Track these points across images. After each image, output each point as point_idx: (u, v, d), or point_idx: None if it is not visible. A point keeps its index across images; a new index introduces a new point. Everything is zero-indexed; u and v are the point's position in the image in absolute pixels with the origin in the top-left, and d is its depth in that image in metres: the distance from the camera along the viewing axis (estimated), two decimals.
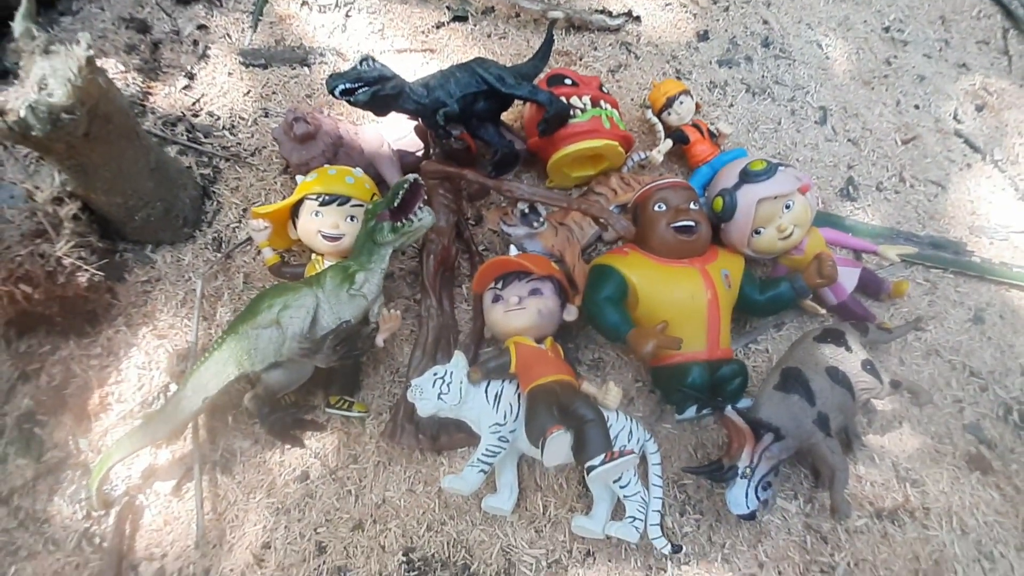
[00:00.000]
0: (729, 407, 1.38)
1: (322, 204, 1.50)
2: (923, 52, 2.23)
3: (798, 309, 1.74)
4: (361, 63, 1.47)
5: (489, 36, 2.07)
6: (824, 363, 1.48)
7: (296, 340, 1.30)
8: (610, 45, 2.09)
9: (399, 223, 1.39)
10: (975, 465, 1.60)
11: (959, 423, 1.66)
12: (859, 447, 1.58)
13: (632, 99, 2.00)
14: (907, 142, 2.05)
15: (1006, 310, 1.82)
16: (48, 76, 1.14)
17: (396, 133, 1.74)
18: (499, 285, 1.52)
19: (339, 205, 1.50)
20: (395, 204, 1.41)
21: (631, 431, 1.47)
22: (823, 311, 1.72)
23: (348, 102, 1.46)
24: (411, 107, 1.55)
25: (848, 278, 1.70)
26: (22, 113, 1.14)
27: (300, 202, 1.52)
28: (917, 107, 2.13)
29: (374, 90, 1.45)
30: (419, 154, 1.75)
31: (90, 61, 1.15)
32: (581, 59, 2.06)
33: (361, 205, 1.52)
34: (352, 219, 1.52)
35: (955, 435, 1.64)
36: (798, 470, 1.55)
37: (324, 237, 1.50)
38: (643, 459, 1.50)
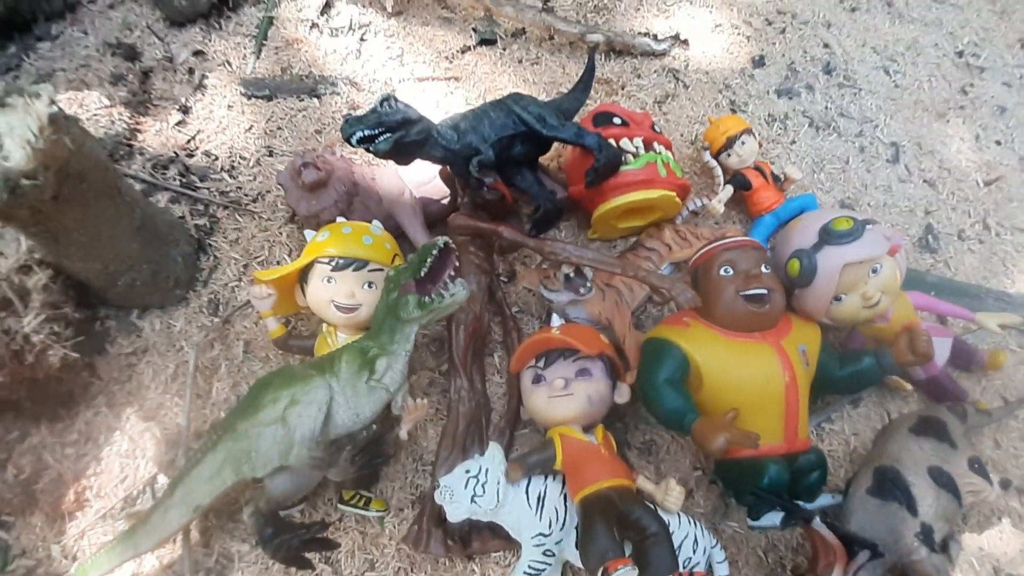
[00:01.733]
0: (817, 519, 1.16)
1: (335, 269, 1.28)
2: (1002, 80, 2.00)
3: (879, 383, 1.52)
4: (381, 104, 1.25)
5: (520, 61, 1.84)
6: (926, 462, 1.26)
7: (306, 446, 1.08)
8: (655, 72, 1.87)
9: (427, 298, 1.17)
10: None
11: None
12: (956, 551, 1.36)
13: (681, 134, 1.78)
14: (990, 183, 1.83)
15: None
16: (3, 135, 0.92)
17: (418, 177, 1.53)
18: (541, 363, 1.30)
19: (355, 270, 1.29)
20: (422, 273, 1.19)
21: (696, 539, 1.25)
22: (909, 387, 1.49)
23: (367, 151, 1.24)
24: (439, 154, 1.33)
25: (939, 349, 1.47)
26: None
27: (310, 264, 1.30)
28: (999, 143, 1.90)
29: (397, 136, 1.23)
30: (445, 202, 1.53)
31: (54, 119, 0.94)
32: (623, 88, 1.84)
33: (381, 269, 1.30)
34: (371, 286, 1.30)
35: None
36: None
37: (338, 308, 1.28)
38: (708, 569, 1.29)
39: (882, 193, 1.78)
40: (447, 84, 1.77)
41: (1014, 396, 1.54)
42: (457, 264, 1.24)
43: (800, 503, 1.36)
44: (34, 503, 1.27)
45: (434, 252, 1.20)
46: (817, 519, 1.16)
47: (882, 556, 1.16)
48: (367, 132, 1.22)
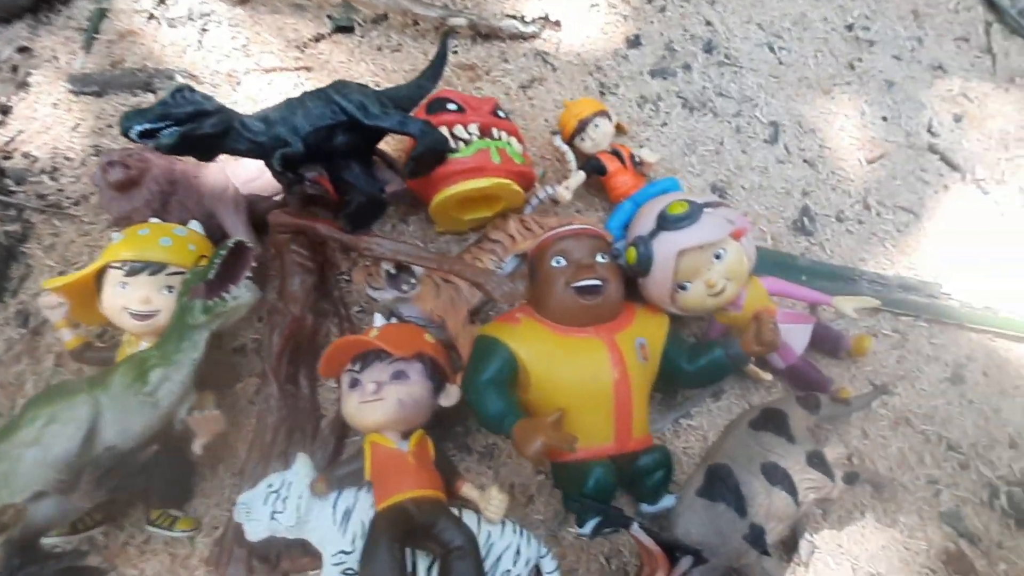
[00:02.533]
0: (635, 524, 1.08)
1: (129, 274, 1.20)
2: (892, 53, 1.92)
3: (740, 374, 1.44)
4: (172, 96, 1.16)
5: (380, 49, 1.76)
6: (760, 458, 1.18)
7: (55, 467, 1.00)
8: (523, 56, 1.79)
9: (211, 301, 1.09)
10: (955, 566, 1.31)
11: (934, 511, 1.36)
12: (809, 551, 1.29)
13: (546, 119, 1.70)
14: (873, 161, 1.75)
15: (991, 366, 1.52)
16: None
17: (246, 174, 1.44)
18: (357, 367, 1.21)
19: (151, 274, 1.20)
20: (210, 275, 1.11)
21: (519, 549, 1.17)
22: (768, 377, 1.42)
23: (152, 146, 1.16)
24: (243, 147, 1.24)
25: (798, 336, 1.40)
26: None
27: (104, 271, 1.22)
28: (885, 119, 1.82)
29: (185, 130, 1.14)
30: (277, 199, 1.45)
31: None
32: (488, 73, 1.75)
33: (182, 272, 1.22)
34: (170, 290, 1.21)
35: (929, 527, 1.35)
36: None
37: (132, 315, 1.20)
38: None
39: (758, 175, 1.70)
40: (297, 75, 1.68)
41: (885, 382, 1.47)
42: (253, 264, 1.16)
43: (643, 505, 1.29)
44: None
45: (222, 253, 1.13)
46: (635, 525, 1.08)
47: (706, 561, 1.09)
48: (148, 126, 1.13)
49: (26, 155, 1.49)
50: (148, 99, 1.59)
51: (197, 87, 1.57)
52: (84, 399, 1.05)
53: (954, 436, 1.43)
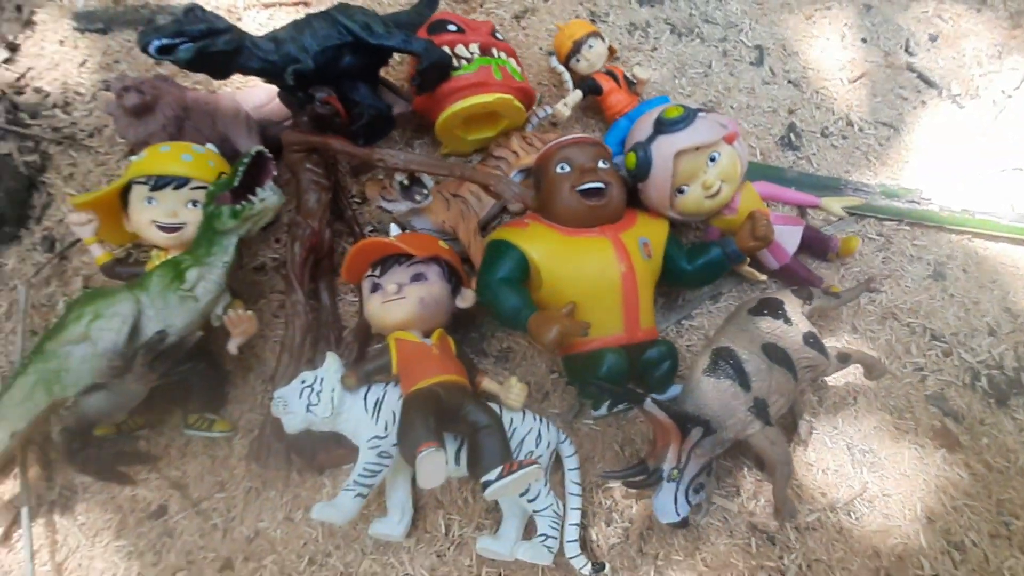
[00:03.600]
0: (648, 399, 1.16)
1: (154, 188, 1.25)
2: None
3: (736, 277, 1.53)
4: (185, 14, 1.21)
5: None
6: (760, 340, 1.27)
7: (106, 357, 1.06)
8: None
9: (239, 205, 1.15)
10: (940, 441, 1.41)
11: (921, 394, 1.46)
12: (807, 430, 1.38)
13: (540, 48, 1.75)
14: (854, 80, 1.83)
15: (969, 263, 1.61)
16: None
17: (256, 100, 1.48)
18: (377, 272, 1.28)
19: (175, 188, 1.25)
20: (236, 183, 1.16)
21: (540, 433, 1.25)
22: (763, 277, 1.50)
23: (170, 62, 1.20)
24: (255, 65, 1.29)
25: (789, 238, 1.48)
26: None
27: (130, 188, 1.27)
28: (864, 40, 1.90)
29: (200, 46, 1.19)
30: (287, 124, 1.49)
31: None
32: (482, 5, 1.80)
33: (205, 187, 1.27)
34: (194, 204, 1.27)
35: (917, 408, 1.44)
36: (740, 462, 1.35)
37: (160, 228, 1.25)
38: (560, 464, 1.30)
39: (745, 95, 1.77)
40: (296, 9, 1.72)
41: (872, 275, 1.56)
42: (275, 173, 1.22)
43: (652, 396, 1.37)
44: None
45: (246, 161, 1.18)
46: (649, 400, 1.16)
47: (715, 432, 1.18)
48: (166, 41, 1.18)
49: (38, 90, 1.52)
50: None
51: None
52: (126, 296, 1.11)
53: (937, 327, 1.53)
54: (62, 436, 1.09)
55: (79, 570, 1.23)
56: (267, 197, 1.16)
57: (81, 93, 1.54)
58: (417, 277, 1.26)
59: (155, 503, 1.28)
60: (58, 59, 1.56)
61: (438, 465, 1.03)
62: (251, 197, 1.15)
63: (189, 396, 1.28)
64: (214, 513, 1.28)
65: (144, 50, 1.17)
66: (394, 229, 1.34)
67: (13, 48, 1.54)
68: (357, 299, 1.45)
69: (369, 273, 1.29)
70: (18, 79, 1.52)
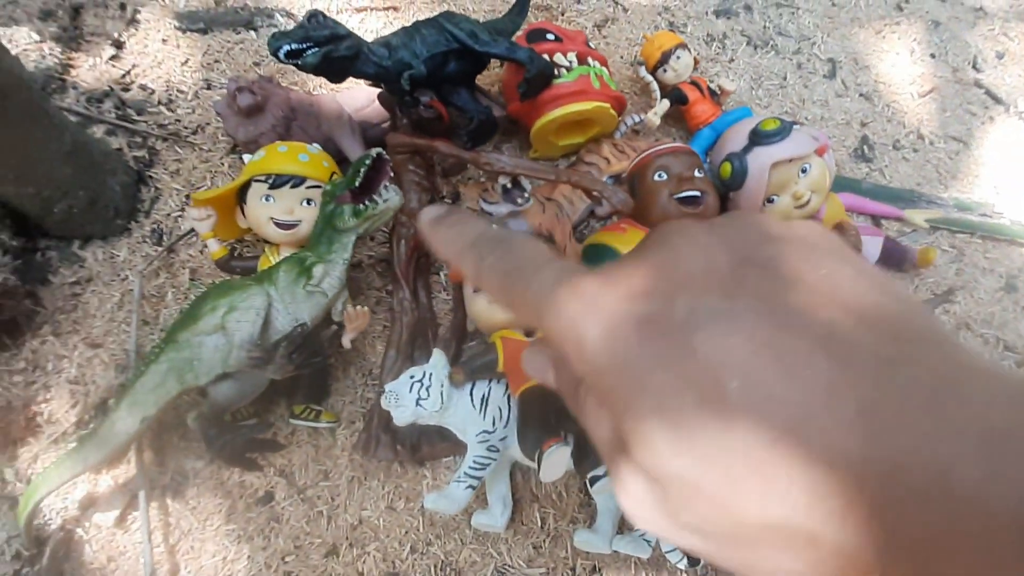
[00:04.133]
0: None
1: (272, 187, 1.29)
2: None
3: None
4: (308, 20, 1.25)
5: None
6: None
7: (244, 348, 1.11)
8: None
9: (361, 205, 1.19)
10: None
11: None
12: None
13: (621, 57, 1.80)
14: (924, 95, 1.87)
15: None
16: None
17: (356, 103, 1.53)
18: None
19: (292, 187, 1.30)
20: (356, 184, 1.21)
21: None
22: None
23: (296, 66, 1.25)
24: (371, 70, 1.33)
25: (870, 248, 1.52)
26: None
27: (248, 185, 1.31)
28: (933, 56, 1.94)
29: (325, 51, 1.24)
30: (384, 126, 1.54)
31: None
32: (563, 14, 1.85)
33: (319, 186, 1.31)
34: (309, 202, 1.31)
35: None
36: None
37: (277, 225, 1.30)
38: None
39: (819, 107, 1.81)
40: (386, 15, 1.76)
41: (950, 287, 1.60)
42: (392, 174, 1.26)
43: None
44: None
45: (367, 163, 1.22)
46: None
47: None
48: (295, 46, 1.23)
49: (143, 87, 1.57)
50: (250, 36, 1.67)
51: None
52: (258, 290, 1.15)
53: (1010, 339, 1.57)
54: (198, 423, 1.13)
55: (191, 552, 1.28)
56: (390, 198, 1.20)
57: (183, 91, 1.59)
58: None
59: (262, 489, 1.32)
60: (161, 57, 1.61)
61: (562, 459, 1.08)
62: (375, 197, 1.19)
63: (296, 388, 1.33)
64: (319, 500, 1.32)
65: (274, 54, 1.21)
66: None
67: (119, 46, 1.59)
68: (450, 298, 1.49)
69: None
70: (123, 76, 1.56)
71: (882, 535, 0.27)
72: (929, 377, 0.27)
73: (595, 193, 1.33)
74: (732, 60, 1.83)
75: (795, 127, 1.39)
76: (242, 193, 1.33)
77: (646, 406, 0.32)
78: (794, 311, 0.30)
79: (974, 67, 1.93)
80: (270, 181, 1.29)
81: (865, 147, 1.77)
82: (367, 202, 1.20)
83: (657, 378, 0.31)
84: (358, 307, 1.25)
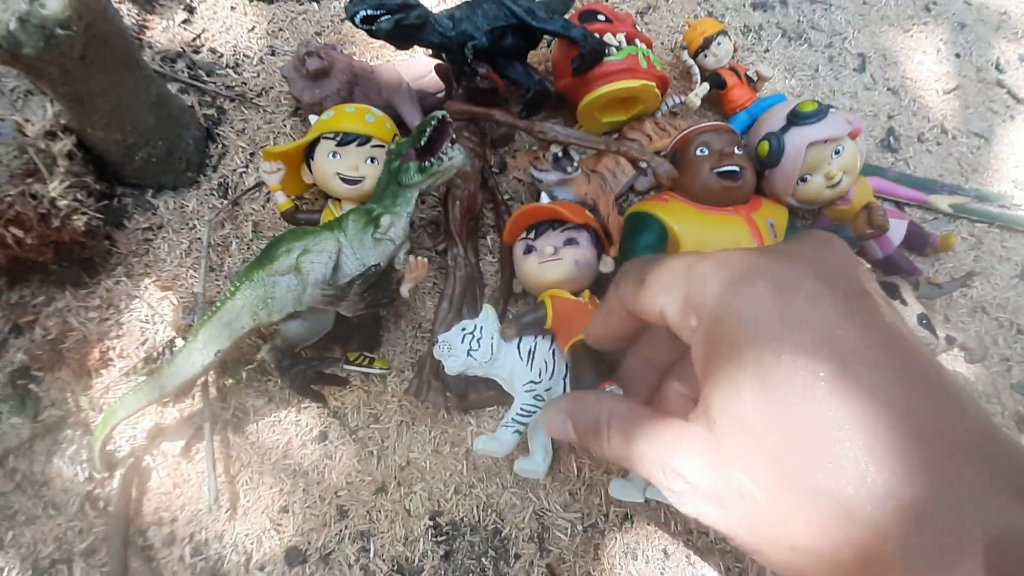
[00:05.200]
0: None
1: (340, 144, 1.38)
2: None
3: None
4: None
5: None
6: None
7: (319, 287, 1.19)
8: None
9: (427, 163, 1.28)
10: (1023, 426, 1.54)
11: (1007, 382, 1.58)
12: None
13: (663, 42, 1.88)
14: (948, 92, 1.95)
15: None
16: None
17: (413, 72, 1.62)
18: (531, 235, 1.41)
19: (359, 145, 1.38)
20: (422, 143, 1.29)
21: None
22: (868, 265, 1.62)
23: (368, 32, 1.34)
24: (436, 40, 1.42)
25: (896, 230, 1.60)
26: (12, 26, 1.01)
27: (315, 142, 1.40)
28: (958, 55, 2.02)
29: (398, 18, 1.33)
30: (440, 96, 1.63)
31: None
32: (608, 0, 1.93)
33: (382, 145, 1.40)
34: (373, 161, 1.40)
35: (1003, 394, 1.57)
36: None
37: (343, 180, 1.38)
38: None
39: (848, 99, 1.90)
40: None
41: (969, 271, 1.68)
42: (454, 136, 1.34)
43: None
44: (61, 361, 1.37)
45: (433, 123, 1.30)
46: None
47: None
48: (370, 12, 1.31)
49: (212, 51, 1.65)
50: (312, 8, 1.76)
51: None
52: (329, 235, 1.24)
53: (1022, 322, 1.65)
54: (272, 353, 1.22)
55: (250, 483, 1.36)
56: (454, 156, 1.29)
57: (249, 56, 1.67)
58: (570, 242, 1.39)
59: (316, 429, 1.41)
60: (229, 23, 1.70)
61: None
62: (440, 155, 1.28)
63: (351, 336, 1.41)
64: (369, 441, 1.41)
65: (351, 19, 1.30)
66: (545, 197, 1.47)
67: (190, 10, 1.67)
68: (496, 260, 1.57)
69: (523, 236, 1.42)
70: (194, 39, 1.65)
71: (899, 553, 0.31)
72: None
73: (642, 164, 1.41)
74: (767, 51, 1.91)
75: (831, 110, 1.47)
76: (310, 150, 1.42)
77: (751, 353, 0.36)
78: (893, 341, 0.36)
79: (997, 68, 2.02)
80: (338, 139, 1.38)
81: (891, 138, 1.85)
82: (433, 159, 1.28)
83: (772, 331, 0.36)
84: (418, 258, 1.34)
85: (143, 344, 1.42)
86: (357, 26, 1.31)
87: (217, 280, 1.47)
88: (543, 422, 0.48)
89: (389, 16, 1.32)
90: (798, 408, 0.34)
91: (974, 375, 1.58)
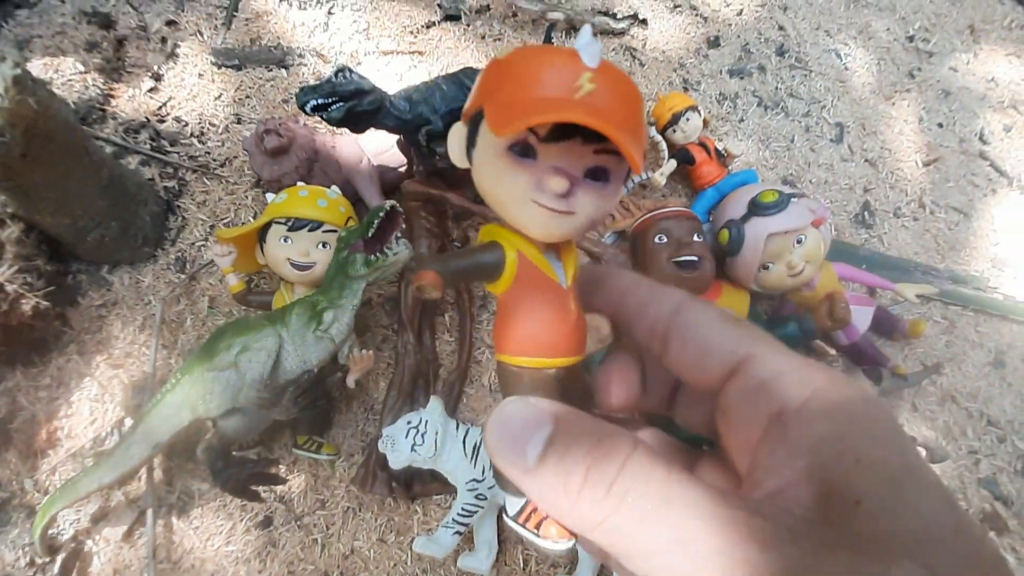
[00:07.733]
0: None
1: (291, 229, 1.37)
2: (949, 64, 2.08)
3: (807, 349, 1.62)
4: (336, 75, 1.33)
5: (483, 37, 1.92)
6: None
7: (255, 388, 1.18)
8: (613, 50, 1.95)
9: (373, 256, 1.26)
10: (990, 524, 1.49)
11: (974, 476, 1.54)
12: None
13: None
14: (928, 164, 1.92)
15: None
16: None
17: (376, 146, 1.61)
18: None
19: (310, 231, 1.37)
20: (370, 233, 1.28)
21: None
22: (833, 352, 1.59)
23: (321, 119, 1.33)
24: (391, 123, 1.41)
25: (861, 317, 1.57)
26: None
27: (268, 226, 1.39)
28: (941, 125, 1.98)
29: (349, 106, 1.31)
30: (401, 170, 1.62)
31: (18, 80, 1.02)
32: None
33: (335, 231, 1.39)
34: (324, 246, 1.39)
35: (969, 490, 1.53)
36: None
37: (294, 265, 1.37)
38: None
39: (824, 171, 1.87)
40: (411, 58, 1.84)
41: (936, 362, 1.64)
42: (403, 226, 1.33)
43: None
44: (9, 441, 1.37)
45: (380, 215, 1.29)
46: None
47: None
48: (320, 100, 1.30)
49: (177, 119, 1.66)
50: (281, 74, 1.76)
51: (324, 66, 1.76)
52: (270, 331, 1.22)
53: (994, 413, 1.61)
54: (206, 455, 1.21)
55: (192, 570, 1.35)
56: (400, 251, 1.27)
57: (215, 124, 1.67)
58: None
59: (262, 514, 1.40)
60: (196, 91, 1.70)
61: None
62: (385, 250, 1.26)
63: (300, 420, 1.40)
64: (315, 529, 1.40)
65: (301, 108, 1.29)
66: None
67: (157, 78, 1.68)
68: (453, 340, 1.56)
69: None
70: (160, 107, 1.65)
71: None
72: None
73: (596, 254, 1.39)
74: (742, 120, 1.89)
75: (793, 200, 1.45)
76: (262, 232, 1.41)
77: None
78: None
79: (981, 139, 1.98)
80: (289, 224, 1.37)
81: (866, 213, 1.82)
82: (378, 253, 1.27)
83: None
84: (364, 351, 1.32)
85: (92, 424, 1.42)
86: (308, 114, 1.30)
87: (170, 358, 1.47)
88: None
89: (341, 104, 1.31)
90: None
91: (939, 469, 1.54)
